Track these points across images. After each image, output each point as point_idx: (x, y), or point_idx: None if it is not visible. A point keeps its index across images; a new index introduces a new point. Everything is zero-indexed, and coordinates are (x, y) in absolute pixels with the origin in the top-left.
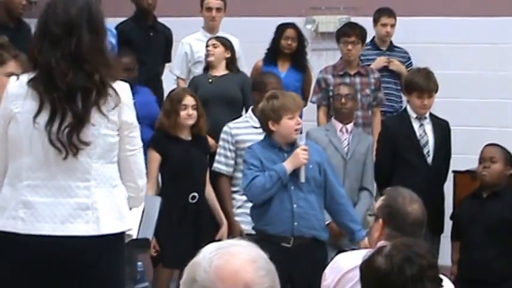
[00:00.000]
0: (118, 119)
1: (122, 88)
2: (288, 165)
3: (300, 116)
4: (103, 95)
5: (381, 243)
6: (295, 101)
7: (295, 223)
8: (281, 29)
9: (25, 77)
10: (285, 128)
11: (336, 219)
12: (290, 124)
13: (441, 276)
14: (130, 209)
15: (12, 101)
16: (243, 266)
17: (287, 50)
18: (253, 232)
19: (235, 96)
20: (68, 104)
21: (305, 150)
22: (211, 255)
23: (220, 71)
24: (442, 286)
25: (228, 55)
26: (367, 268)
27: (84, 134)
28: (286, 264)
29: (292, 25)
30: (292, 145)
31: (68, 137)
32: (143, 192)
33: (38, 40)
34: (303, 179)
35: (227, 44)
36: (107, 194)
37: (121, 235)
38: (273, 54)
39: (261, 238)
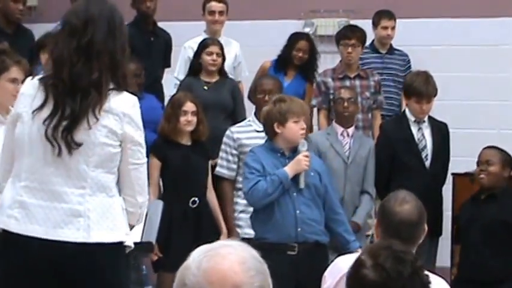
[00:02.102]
0: (121, 130)
1: (128, 100)
2: (289, 170)
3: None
4: (102, 98)
5: None
6: (302, 106)
7: (299, 229)
8: (294, 39)
9: (39, 76)
10: (289, 131)
11: (332, 228)
12: (295, 128)
13: (437, 277)
14: (132, 227)
15: (21, 101)
16: (231, 267)
17: (297, 61)
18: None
19: (227, 104)
20: (68, 100)
21: (307, 156)
22: (200, 258)
23: (214, 77)
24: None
25: (222, 63)
26: (359, 286)
27: (77, 134)
28: (293, 271)
29: (306, 37)
30: (294, 151)
31: (63, 134)
32: (142, 210)
33: (57, 34)
34: (302, 185)
35: (224, 51)
36: (102, 203)
37: (116, 246)
38: (283, 62)
39: (264, 248)
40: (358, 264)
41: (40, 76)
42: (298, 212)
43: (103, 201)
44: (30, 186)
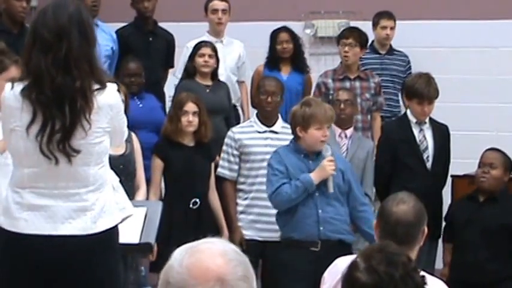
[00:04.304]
0: (111, 121)
1: (110, 91)
2: (315, 176)
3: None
4: (89, 103)
5: None
6: (326, 113)
7: (321, 228)
8: (274, 35)
9: (19, 87)
10: (311, 137)
11: (357, 226)
12: (316, 135)
13: (437, 279)
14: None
15: (10, 114)
16: (213, 260)
17: (284, 53)
18: (256, 238)
19: (225, 106)
20: (56, 112)
21: (331, 161)
22: (182, 256)
23: (208, 80)
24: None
25: (215, 65)
26: None
27: (74, 142)
28: (314, 267)
29: (284, 28)
30: (318, 153)
31: (58, 146)
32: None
33: (29, 47)
34: (331, 189)
35: (218, 54)
36: (101, 194)
37: (113, 229)
38: (274, 60)
39: (288, 244)
40: (352, 267)
41: (20, 87)
42: (320, 211)
43: (102, 192)
44: (36, 192)
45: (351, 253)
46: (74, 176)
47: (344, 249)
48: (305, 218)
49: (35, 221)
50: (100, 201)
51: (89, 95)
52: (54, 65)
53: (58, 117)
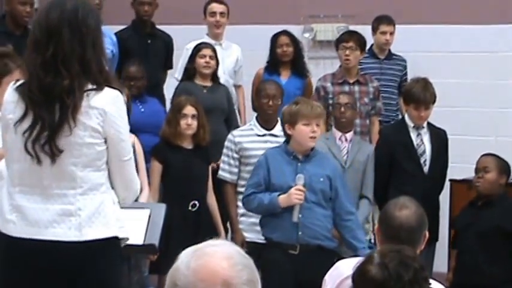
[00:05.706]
0: (102, 128)
1: (108, 96)
2: (282, 201)
3: None
4: (76, 102)
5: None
6: (312, 109)
7: (300, 232)
8: (274, 38)
9: (18, 83)
10: (299, 133)
11: (341, 234)
12: (304, 130)
13: (436, 283)
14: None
15: (6, 108)
16: (219, 263)
17: (284, 57)
18: (256, 240)
19: (224, 107)
20: (45, 111)
21: (300, 190)
22: (188, 259)
23: (208, 81)
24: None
25: (215, 67)
26: (361, 279)
27: (59, 141)
28: (294, 269)
29: (284, 32)
30: (307, 155)
31: (44, 146)
32: (126, 201)
33: (28, 46)
34: (295, 219)
35: (217, 56)
36: (92, 200)
37: (109, 241)
38: (274, 64)
39: (268, 245)
40: (366, 260)
41: (18, 84)
42: (300, 216)
43: (94, 198)
44: (24, 190)
45: (332, 258)
46: (60, 176)
47: (324, 254)
48: (284, 221)
49: (21, 223)
50: (89, 207)
51: (78, 94)
52: (42, 66)
53: (47, 117)
